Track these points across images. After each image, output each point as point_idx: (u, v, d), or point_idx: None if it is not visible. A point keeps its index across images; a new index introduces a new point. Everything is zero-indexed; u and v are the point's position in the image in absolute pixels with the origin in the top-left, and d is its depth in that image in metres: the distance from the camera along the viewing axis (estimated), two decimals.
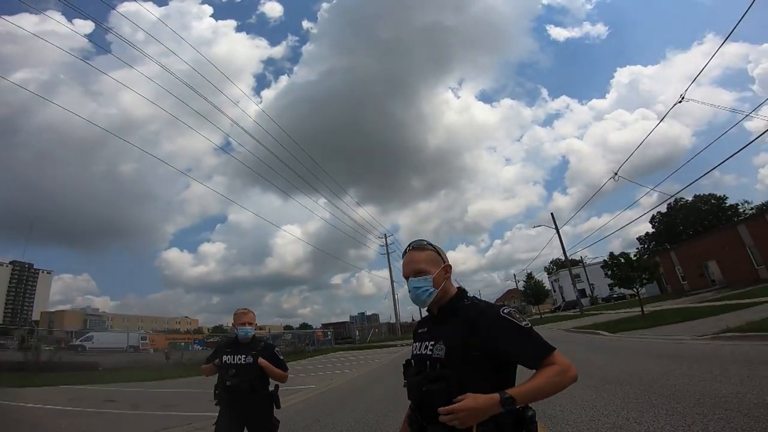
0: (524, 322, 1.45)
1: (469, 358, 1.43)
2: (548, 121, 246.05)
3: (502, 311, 1.47)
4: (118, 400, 8.16)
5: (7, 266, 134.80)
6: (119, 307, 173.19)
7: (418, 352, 1.62)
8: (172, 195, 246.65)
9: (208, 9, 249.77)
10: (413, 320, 74.73)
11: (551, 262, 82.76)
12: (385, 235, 52.92)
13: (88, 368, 14.83)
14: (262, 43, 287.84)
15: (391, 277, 51.17)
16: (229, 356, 3.24)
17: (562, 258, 41.57)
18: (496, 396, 1.32)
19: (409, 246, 1.68)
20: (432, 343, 1.54)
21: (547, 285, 57.75)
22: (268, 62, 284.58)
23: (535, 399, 1.38)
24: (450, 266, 1.64)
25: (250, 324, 3.31)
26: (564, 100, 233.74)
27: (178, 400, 8.20)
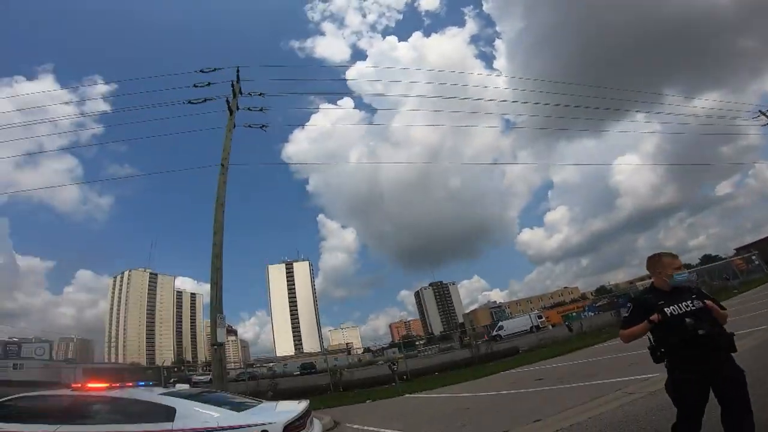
0: None
1: None
2: None
3: None
4: (545, 377, 9.22)
5: (428, 288, 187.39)
6: (509, 295, 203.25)
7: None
8: (497, 185, 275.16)
9: (392, 38, 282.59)
10: None
11: None
12: (761, 111, 35.41)
13: (513, 353, 17.81)
14: (453, 30, 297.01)
15: None
16: (672, 306, 2.82)
17: None
18: None
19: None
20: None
21: None
22: (473, 40, 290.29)
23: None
24: None
25: (681, 268, 2.96)
26: None
27: (597, 369, 8.33)
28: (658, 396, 4.76)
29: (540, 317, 42.88)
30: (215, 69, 14.13)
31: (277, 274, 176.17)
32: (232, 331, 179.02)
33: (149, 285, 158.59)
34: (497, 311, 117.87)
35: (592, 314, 31.22)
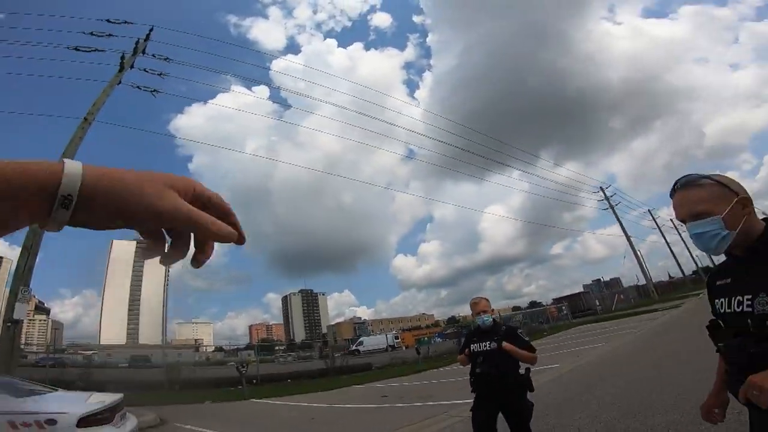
0: None
1: None
2: (763, 12, 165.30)
3: None
4: (389, 394, 9.94)
5: (298, 294, 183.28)
6: (374, 313, 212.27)
7: (728, 310, 1.32)
8: (385, 209, 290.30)
9: (332, 42, 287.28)
10: (671, 277, 60.85)
11: None
12: (601, 187, 45.92)
13: (365, 369, 18.60)
14: (392, 51, 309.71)
15: (624, 232, 44.11)
16: (476, 344, 3.32)
17: None
18: None
19: (676, 184, 1.32)
20: (749, 297, 1.22)
21: None
22: (407, 66, 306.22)
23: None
24: (748, 198, 1.25)
25: (484, 312, 3.33)
26: None
27: (433, 391, 9.26)
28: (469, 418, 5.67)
29: (396, 338, 45.64)
30: (125, 22, 12.34)
31: (123, 250, 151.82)
32: (43, 309, 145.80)
33: None
34: (361, 326, 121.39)
35: (440, 340, 34.60)
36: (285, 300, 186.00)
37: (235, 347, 56.51)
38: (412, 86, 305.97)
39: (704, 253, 1.43)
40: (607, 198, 44.59)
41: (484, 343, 3.26)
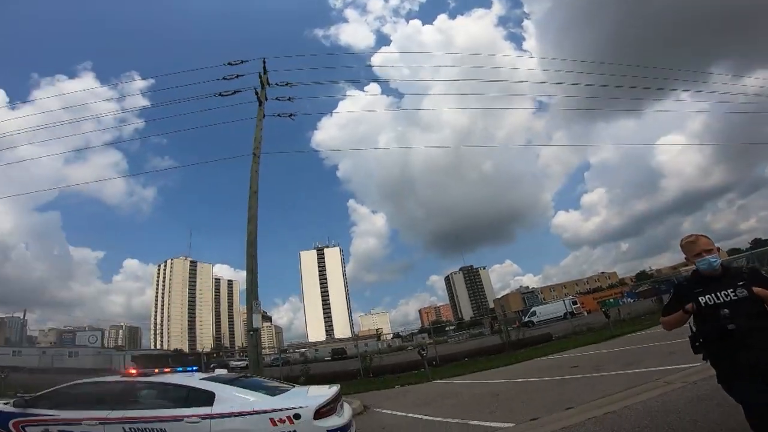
0: None
1: None
2: None
3: None
4: (580, 365, 9.01)
5: (459, 273, 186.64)
6: (542, 279, 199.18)
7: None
8: (531, 168, 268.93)
9: (416, 22, 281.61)
10: None
11: None
12: None
13: (546, 340, 17.47)
14: (479, 11, 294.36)
15: None
16: (708, 296, 2.61)
17: None
18: None
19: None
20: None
21: None
22: (501, 22, 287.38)
23: None
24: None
25: (709, 251, 2.67)
26: None
27: (636, 357, 8.05)
28: (700, 386, 4.56)
29: (575, 303, 41.85)
30: (242, 61, 14.44)
31: (309, 260, 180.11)
32: (266, 318, 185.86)
33: (189, 272, 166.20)
34: (529, 296, 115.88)
35: (632, 300, 29.97)
36: (448, 280, 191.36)
37: (410, 332, 60.73)
38: (516, 39, 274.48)
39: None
40: None
41: (723, 292, 2.54)
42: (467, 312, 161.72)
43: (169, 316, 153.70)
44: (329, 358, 34.89)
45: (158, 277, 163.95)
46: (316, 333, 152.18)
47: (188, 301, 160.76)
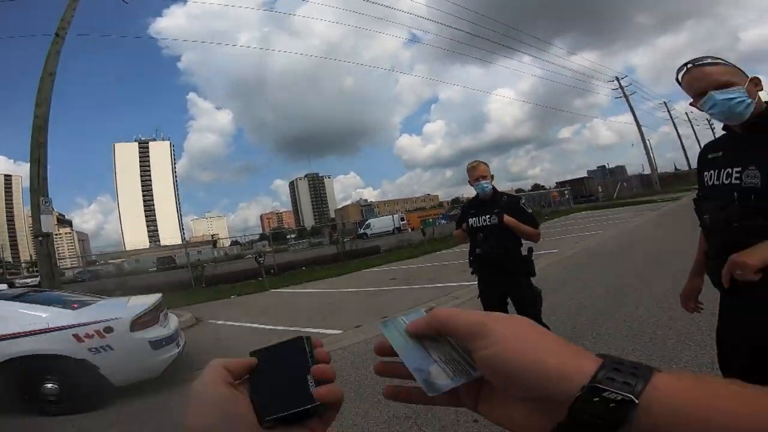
0: None
1: None
2: None
3: None
4: (397, 278, 10.76)
5: (304, 179, 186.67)
6: (380, 194, 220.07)
7: (716, 182, 1.34)
8: (388, 92, 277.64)
9: None
10: (677, 170, 60.31)
11: None
12: (617, 77, 45.72)
13: (374, 252, 19.67)
14: None
15: (636, 120, 44.02)
16: (474, 218, 2.87)
17: None
18: None
19: (688, 63, 1.37)
20: (738, 169, 1.25)
21: None
22: None
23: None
24: (759, 78, 1.31)
25: (484, 177, 2.85)
26: None
27: (439, 273, 9.87)
28: (476, 301, 6.13)
29: (402, 219, 47.60)
30: None
31: (127, 154, 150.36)
32: (64, 222, 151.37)
33: None
34: (367, 209, 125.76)
35: (445, 222, 35.91)
36: (292, 185, 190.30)
37: (250, 239, 59.97)
38: None
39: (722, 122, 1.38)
40: (621, 87, 44.28)
41: (483, 217, 2.83)
42: (309, 220, 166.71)
43: None
44: (154, 269, 31.77)
45: None
46: (136, 240, 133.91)
47: None
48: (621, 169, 75.39)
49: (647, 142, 44.40)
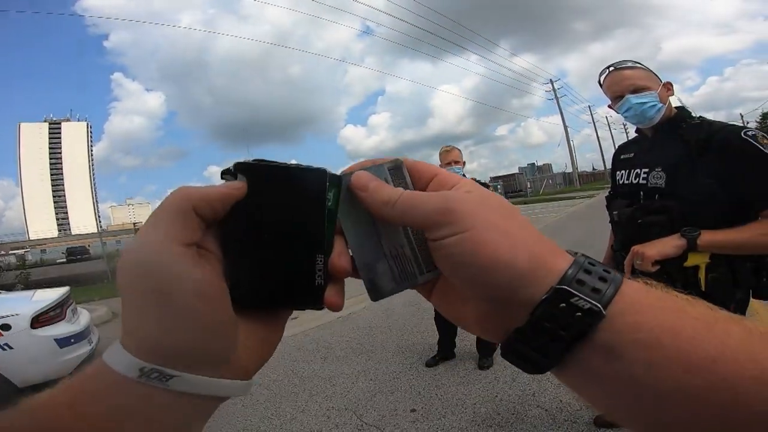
0: None
1: (699, 187, 1.22)
2: None
3: (745, 132, 1.19)
4: None
5: None
6: None
7: (626, 182, 1.47)
8: (336, 82, 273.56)
9: None
10: (594, 169, 66.49)
11: None
12: (551, 80, 48.68)
13: None
14: None
15: (563, 122, 47.35)
16: None
17: None
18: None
19: (610, 67, 1.46)
20: (645, 170, 1.37)
21: None
22: None
23: (734, 252, 1.19)
24: (671, 84, 1.43)
25: (456, 162, 2.92)
26: None
27: None
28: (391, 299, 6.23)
29: None
30: None
31: (33, 134, 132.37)
32: None
33: None
34: None
35: None
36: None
37: None
38: None
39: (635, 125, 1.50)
40: (554, 90, 47.07)
41: None
42: None
43: None
44: (63, 261, 28.30)
45: None
46: (42, 227, 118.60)
47: None
48: (548, 166, 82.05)
49: (571, 142, 48.33)
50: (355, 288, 0.39)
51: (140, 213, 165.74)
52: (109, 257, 15.18)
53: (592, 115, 56.39)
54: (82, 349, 3.72)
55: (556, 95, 47.25)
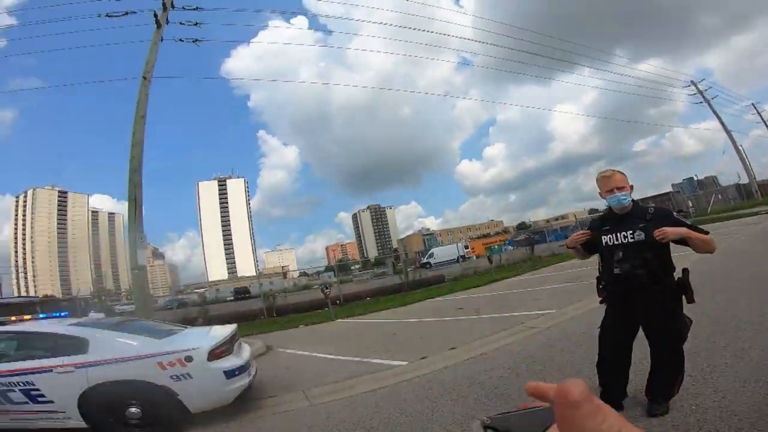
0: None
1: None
2: None
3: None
4: (464, 307, 10.28)
5: (366, 211, 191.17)
6: (443, 222, 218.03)
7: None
8: (445, 117, 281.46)
9: None
10: None
11: None
12: (692, 82, 41.40)
13: (440, 281, 19.14)
14: None
15: (723, 126, 39.16)
16: (609, 235, 2.52)
17: None
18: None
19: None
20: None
21: None
22: None
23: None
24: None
25: (620, 188, 2.53)
26: None
27: (506, 303, 9.30)
28: (552, 331, 5.60)
29: (466, 247, 46.17)
30: None
31: (208, 192, 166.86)
32: (158, 255, 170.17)
33: (59, 204, 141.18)
34: (429, 238, 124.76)
35: (512, 248, 34.15)
36: (355, 217, 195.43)
37: (316, 270, 62.05)
38: None
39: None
40: (700, 91, 39.95)
41: (623, 233, 2.45)
42: (372, 250, 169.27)
43: (33, 257, 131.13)
44: (231, 299, 34.06)
45: (16, 210, 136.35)
46: (217, 271, 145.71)
47: (57, 237, 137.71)
48: (712, 179, 67.01)
49: (740, 147, 38.92)
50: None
51: (287, 257, 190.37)
52: (264, 297, 17.61)
53: (759, 113, 44.56)
54: (244, 380, 4.19)
55: (704, 97, 39.45)
